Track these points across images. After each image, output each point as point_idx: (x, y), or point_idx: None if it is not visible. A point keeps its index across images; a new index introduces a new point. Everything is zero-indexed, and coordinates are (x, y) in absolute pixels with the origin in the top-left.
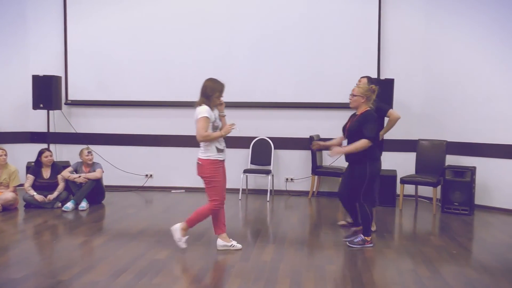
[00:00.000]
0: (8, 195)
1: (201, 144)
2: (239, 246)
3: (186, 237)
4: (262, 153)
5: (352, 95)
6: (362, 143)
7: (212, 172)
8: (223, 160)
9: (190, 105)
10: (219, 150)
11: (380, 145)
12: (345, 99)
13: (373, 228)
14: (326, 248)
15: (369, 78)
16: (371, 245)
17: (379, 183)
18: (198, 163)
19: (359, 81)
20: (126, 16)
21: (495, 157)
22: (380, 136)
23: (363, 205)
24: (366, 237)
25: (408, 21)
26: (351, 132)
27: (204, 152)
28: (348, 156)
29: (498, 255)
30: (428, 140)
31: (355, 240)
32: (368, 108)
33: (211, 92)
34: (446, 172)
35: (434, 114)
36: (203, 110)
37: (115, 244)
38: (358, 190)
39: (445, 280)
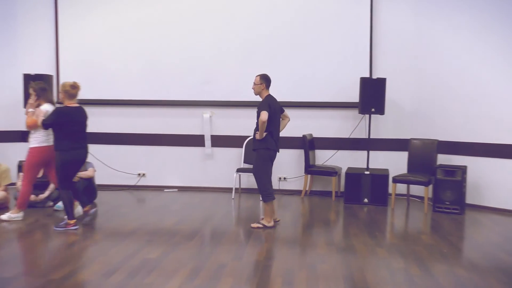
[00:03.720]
0: None
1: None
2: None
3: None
4: None
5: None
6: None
7: None
8: None
9: (182, 104)
10: None
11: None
12: (337, 98)
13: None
14: (318, 247)
15: (262, 76)
16: (75, 227)
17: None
18: None
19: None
20: (118, 16)
21: (486, 156)
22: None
23: (61, 192)
24: (69, 221)
25: (400, 20)
26: None
27: None
28: None
29: (488, 254)
30: (419, 139)
31: (60, 224)
32: (65, 105)
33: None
34: (437, 171)
35: (426, 113)
36: None
37: (107, 243)
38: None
39: (436, 279)
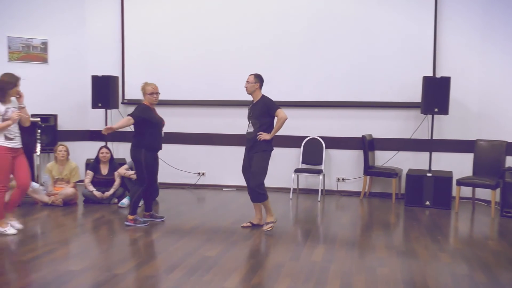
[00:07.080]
0: (68, 190)
1: None
2: (12, 231)
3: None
4: (313, 152)
5: None
6: None
7: None
8: (13, 148)
9: (242, 104)
10: (8, 138)
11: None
12: (398, 98)
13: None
14: (377, 250)
15: (256, 75)
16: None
17: None
18: None
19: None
20: (179, 18)
21: None
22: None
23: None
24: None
25: (466, 16)
26: None
27: None
28: None
29: None
30: (486, 140)
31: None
32: None
33: (7, 85)
34: (506, 174)
35: (493, 114)
36: None
37: (168, 240)
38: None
39: (503, 287)
